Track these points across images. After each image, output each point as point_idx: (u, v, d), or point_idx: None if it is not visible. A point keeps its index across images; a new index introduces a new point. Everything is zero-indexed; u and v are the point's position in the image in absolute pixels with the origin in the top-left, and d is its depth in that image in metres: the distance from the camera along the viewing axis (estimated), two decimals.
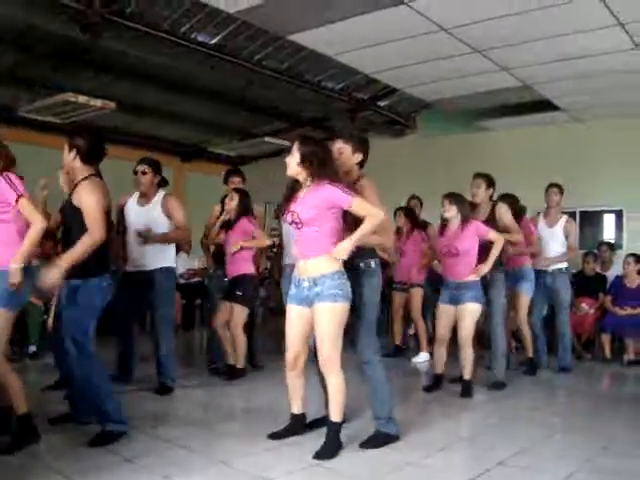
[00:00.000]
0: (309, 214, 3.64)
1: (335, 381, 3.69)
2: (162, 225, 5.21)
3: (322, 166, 3.67)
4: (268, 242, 6.16)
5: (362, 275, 3.93)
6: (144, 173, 5.22)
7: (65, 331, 3.76)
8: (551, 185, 6.86)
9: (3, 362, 3.53)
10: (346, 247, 3.58)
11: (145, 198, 5.29)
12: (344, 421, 3.79)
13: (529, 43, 6.33)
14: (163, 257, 5.21)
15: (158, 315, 5.24)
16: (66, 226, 3.93)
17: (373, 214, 3.59)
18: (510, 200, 6.21)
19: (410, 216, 7.48)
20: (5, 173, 3.51)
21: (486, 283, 5.61)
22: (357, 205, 3.59)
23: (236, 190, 6.07)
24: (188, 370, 6.23)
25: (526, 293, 6.41)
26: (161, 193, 5.32)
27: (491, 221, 5.65)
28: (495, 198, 6.02)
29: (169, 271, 5.27)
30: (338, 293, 3.62)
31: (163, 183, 5.38)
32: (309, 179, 3.71)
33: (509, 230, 5.76)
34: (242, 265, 5.91)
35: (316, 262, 3.66)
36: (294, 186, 3.82)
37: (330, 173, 3.68)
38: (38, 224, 3.46)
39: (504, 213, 5.81)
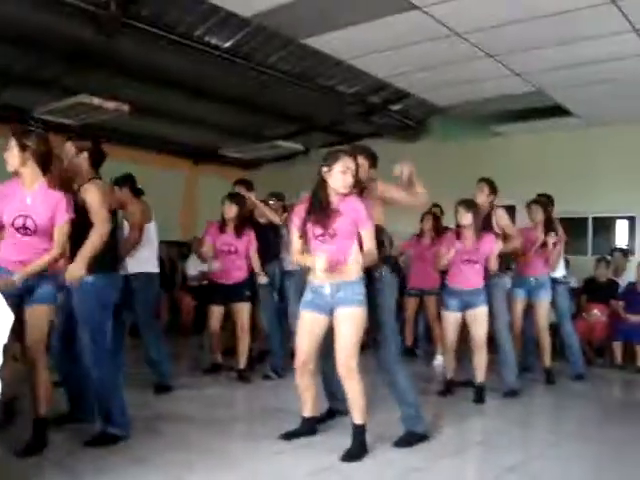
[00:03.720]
0: (348, 227, 3.72)
1: (354, 384, 3.72)
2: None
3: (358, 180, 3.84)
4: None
5: (377, 283, 4.01)
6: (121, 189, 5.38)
7: (82, 327, 3.79)
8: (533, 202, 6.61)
9: (44, 356, 3.60)
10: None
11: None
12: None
13: (543, 49, 6.31)
14: (139, 263, 5.27)
15: (140, 321, 5.31)
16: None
17: (372, 255, 3.76)
18: (545, 201, 6.37)
19: (437, 222, 7.53)
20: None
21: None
22: (366, 234, 3.75)
23: (232, 198, 6.11)
24: (198, 372, 6.25)
25: (544, 303, 6.39)
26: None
27: (486, 226, 5.66)
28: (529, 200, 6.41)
29: (146, 276, 5.32)
30: (360, 298, 3.71)
31: (139, 193, 5.53)
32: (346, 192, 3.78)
33: (507, 234, 5.75)
34: (244, 270, 6.07)
35: (341, 269, 3.72)
36: (323, 196, 3.80)
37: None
38: (57, 251, 3.60)
39: (501, 216, 5.82)
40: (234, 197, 6.12)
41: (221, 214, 6.11)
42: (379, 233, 4.03)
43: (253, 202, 6.27)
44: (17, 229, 3.53)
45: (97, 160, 4.01)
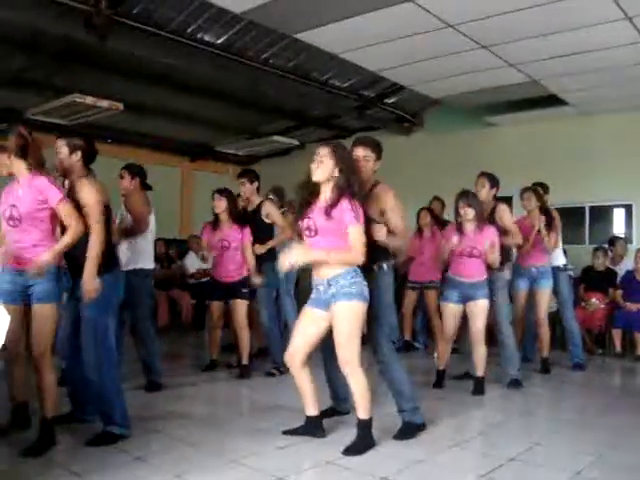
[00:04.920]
0: (326, 225, 3.68)
1: (357, 379, 3.70)
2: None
3: (352, 176, 3.72)
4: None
5: (375, 276, 4.00)
6: (121, 177, 5.41)
7: (85, 327, 3.79)
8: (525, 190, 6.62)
9: (49, 361, 3.60)
10: (299, 256, 3.64)
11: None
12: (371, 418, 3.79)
13: (536, 38, 6.30)
14: (135, 259, 5.25)
15: (134, 316, 5.29)
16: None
17: (354, 254, 3.65)
18: (542, 190, 6.49)
19: (434, 217, 7.56)
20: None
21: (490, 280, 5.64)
22: (352, 233, 3.64)
23: (220, 192, 6.10)
24: (197, 370, 6.26)
25: (546, 292, 6.37)
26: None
27: (490, 221, 5.66)
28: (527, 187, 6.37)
29: (142, 272, 5.30)
30: (352, 292, 3.66)
31: (145, 187, 5.52)
32: (330, 187, 3.72)
33: (509, 231, 5.76)
34: (243, 267, 6.05)
35: (328, 265, 3.70)
36: (313, 190, 3.81)
37: (355, 185, 3.72)
38: (76, 228, 3.61)
39: (503, 212, 5.80)
40: (223, 192, 6.11)
41: (212, 209, 6.13)
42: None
43: (269, 210, 6.16)
44: (7, 220, 3.61)
45: (90, 158, 4.01)
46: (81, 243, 3.73)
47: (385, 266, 4.07)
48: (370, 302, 3.86)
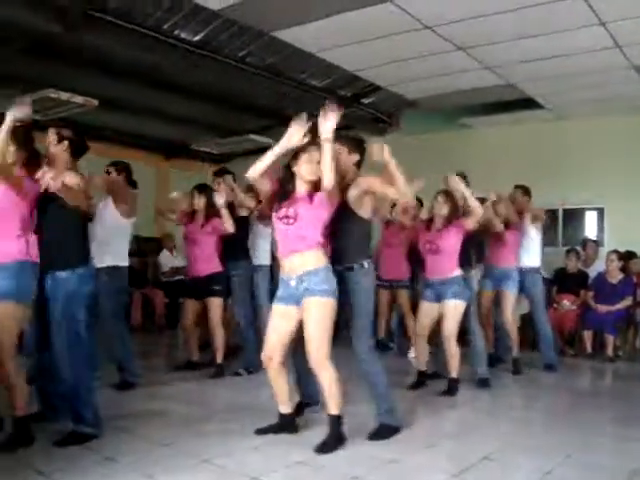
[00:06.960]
0: (310, 214, 3.71)
1: (327, 375, 3.71)
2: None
3: None
4: None
5: (356, 274, 4.00)
6: (108, 173, 5.45)
7: (56, 327, 3.70)
8: (515, 187, 6.78)
9: (11, 360, 3.49)
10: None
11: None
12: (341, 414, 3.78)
13: (512, 41, 6.35)
14: (109, 255, 5.21)
15: (106, 315, 5.22)
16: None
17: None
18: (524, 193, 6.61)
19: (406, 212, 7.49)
20: None
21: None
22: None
23: (200, 189, 6.10)
24: (170, 369, 6.21)
25: (511, 292, 6.41)
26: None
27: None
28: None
29: (115, 269, 5.24)
30: (325, 288, 3.67)
31: (133, 185, 5.63)
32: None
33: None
34: (216, 263, 6.01)
35: (302, 258, 3.70)
36: (289, 182, 3.84)
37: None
38: None
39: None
40: (203, 189, 6.09)
41: (190, 206, 6.12)
42: (367, 227, 4.10)
43: (230, 184, 6.17)
44: None
45: (78, 150, 3.92)
46: (55, 238, 3.68)
47: (366, 264, 4.06)
48: (351, 301, 3.90)
